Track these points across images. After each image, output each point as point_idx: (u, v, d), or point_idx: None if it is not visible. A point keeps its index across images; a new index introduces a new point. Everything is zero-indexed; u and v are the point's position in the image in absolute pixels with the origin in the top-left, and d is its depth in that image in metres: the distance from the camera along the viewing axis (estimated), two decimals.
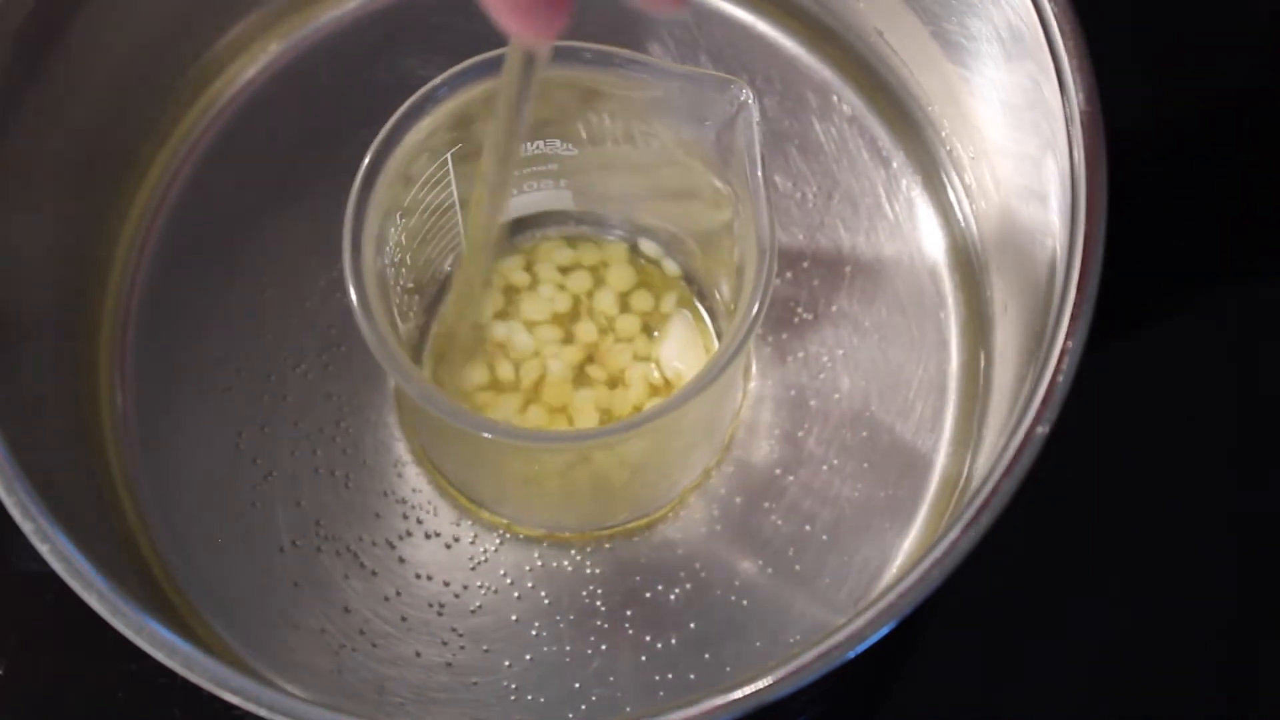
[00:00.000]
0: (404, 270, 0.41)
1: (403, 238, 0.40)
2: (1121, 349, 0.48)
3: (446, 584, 0.44)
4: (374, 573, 0.44)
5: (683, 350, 0.45)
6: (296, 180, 0.47)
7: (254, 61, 0.49)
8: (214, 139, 0.48)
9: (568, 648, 0.43)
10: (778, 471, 0.45)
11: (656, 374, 0.45)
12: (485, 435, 0.38)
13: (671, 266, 0.46)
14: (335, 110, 0.48)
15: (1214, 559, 0.48)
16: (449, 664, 0.43)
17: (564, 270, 0.45)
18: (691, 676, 0.43)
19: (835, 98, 0.49)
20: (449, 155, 0.40)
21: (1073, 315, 0.36)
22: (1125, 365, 0.48)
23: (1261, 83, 0.53)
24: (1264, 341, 0.50)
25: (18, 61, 0.41)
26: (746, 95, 0.37)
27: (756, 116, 0.37)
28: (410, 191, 0.40)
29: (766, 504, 0.45)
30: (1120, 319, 0.46)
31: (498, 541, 0.44)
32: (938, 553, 0.34)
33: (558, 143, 0.41)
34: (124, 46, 0.45)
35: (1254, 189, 0.52)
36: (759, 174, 0.37)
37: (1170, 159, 0.51)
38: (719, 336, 0.45)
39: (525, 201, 0.44)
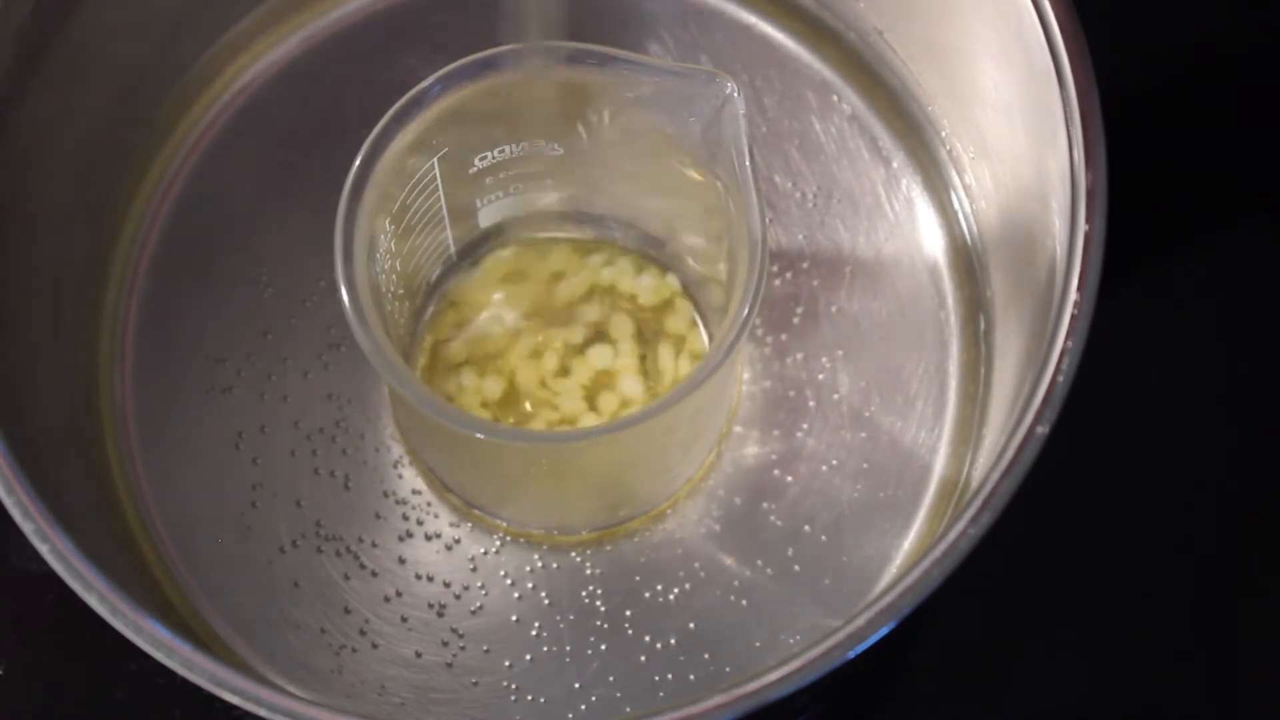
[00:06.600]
0: (394, 277, 0.41)
1: (392, 244, 0.40)
2: (1120, 345, 0.48)
3: (447, 585, 0.44)
4: (374, 573, 0.44)
5: (675, 348, 0.45)
6: (296, 180, 0.47)
7: (254, 61, 0.49)
8: (214, 139, 0.48)
9: (568, 648, 0.43)
10: (777, 471, 0.45)
11: (650, 373, 0.45)
12: (478, 436, 0.38)
13: (661, 265, 0.46)
14: (335, 110, 0.48)
15: (1215, 558, 0.48)
16: (449, 664, 0.43)
17: (550, 271, 0.45)
18: (691, 677, 0.43)
19: (835, 97, 0.49)
20: (435, 160, 0.40)
21: (1073, 315, 0.35)
22: (1124, 362, 0.48)
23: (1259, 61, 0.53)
24: (1264, 339, 0.50)
25: (18, 61, 0.41)
26: (731, 89, 0.37)
27: (742, 109, 0.37)
28: (399, 197, 0.40)
29: (766, 504, 0.45)
30: (1119, 315, 0.46)
31: (498, 542, 0.44)
32: (938, 553, 0.34)
33: (543, 143, 0.41)
34: (124, 46, 0.45)
35: (1252, 182, 0.52)
36: (747, 165, 0.37)
37: (1166, 148, 0.51)
38: (711, 332, 0.45)
39: (510, 203, 0.44)
